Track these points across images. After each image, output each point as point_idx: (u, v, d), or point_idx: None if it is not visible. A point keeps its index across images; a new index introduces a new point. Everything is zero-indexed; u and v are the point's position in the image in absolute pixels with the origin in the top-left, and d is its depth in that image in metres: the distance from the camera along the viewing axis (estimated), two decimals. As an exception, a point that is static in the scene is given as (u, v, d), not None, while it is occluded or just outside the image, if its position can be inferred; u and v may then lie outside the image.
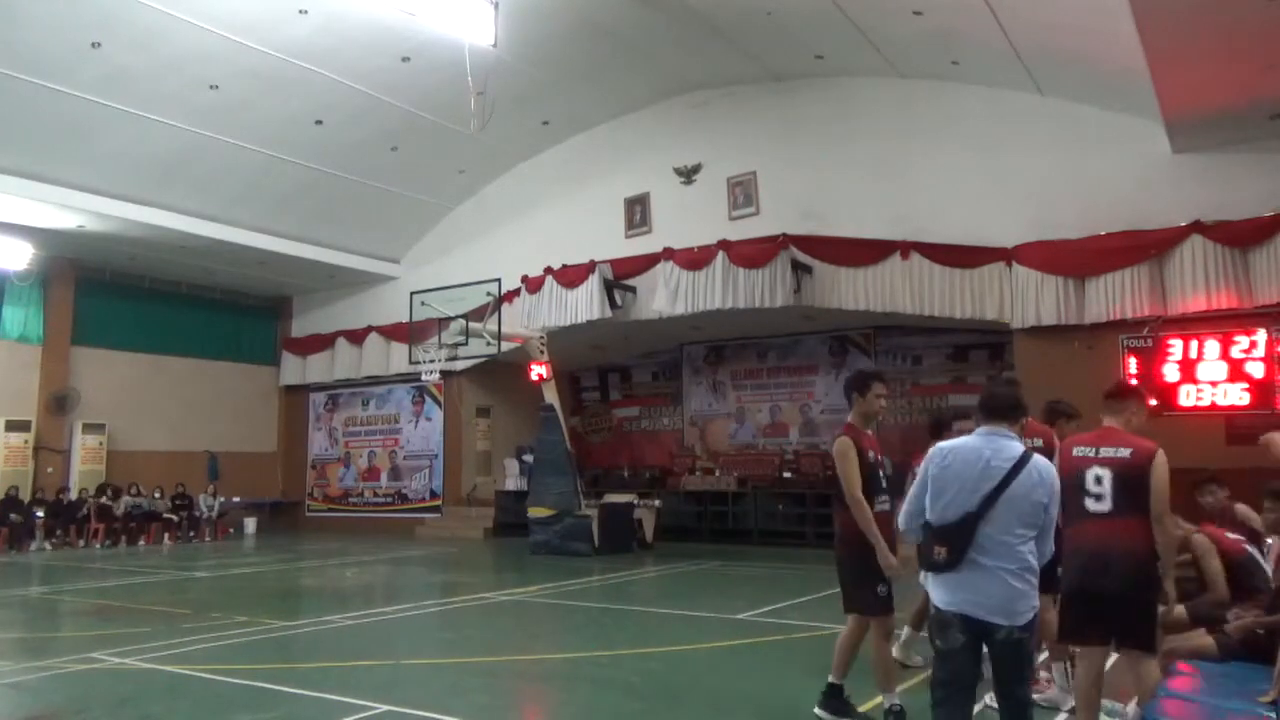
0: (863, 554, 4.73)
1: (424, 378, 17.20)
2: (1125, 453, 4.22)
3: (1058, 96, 13.20)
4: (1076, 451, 4.37)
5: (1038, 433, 5.40)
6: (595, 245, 16.35)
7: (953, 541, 3.46)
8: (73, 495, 17.36)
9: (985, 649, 3.54)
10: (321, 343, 21.19)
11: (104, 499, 17.29)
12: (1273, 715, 3.48)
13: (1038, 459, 3.55)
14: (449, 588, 11.63)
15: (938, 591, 3.57)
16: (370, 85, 14.57)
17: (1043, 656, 5.61)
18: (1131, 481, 4.15)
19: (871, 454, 4.84)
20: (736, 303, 14.56)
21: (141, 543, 17.32)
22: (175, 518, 18.08)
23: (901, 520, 3.91)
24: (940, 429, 5.69)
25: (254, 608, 9.36)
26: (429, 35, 12.96)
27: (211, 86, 13.81)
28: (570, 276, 16.18)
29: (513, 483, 18.71)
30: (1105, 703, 5.11)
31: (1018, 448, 3.54)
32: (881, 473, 4.91)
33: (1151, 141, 12.23)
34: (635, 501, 15.90)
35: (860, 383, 5.00)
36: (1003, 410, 3.63)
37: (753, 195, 15.58)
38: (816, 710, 4.98)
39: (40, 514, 16.62)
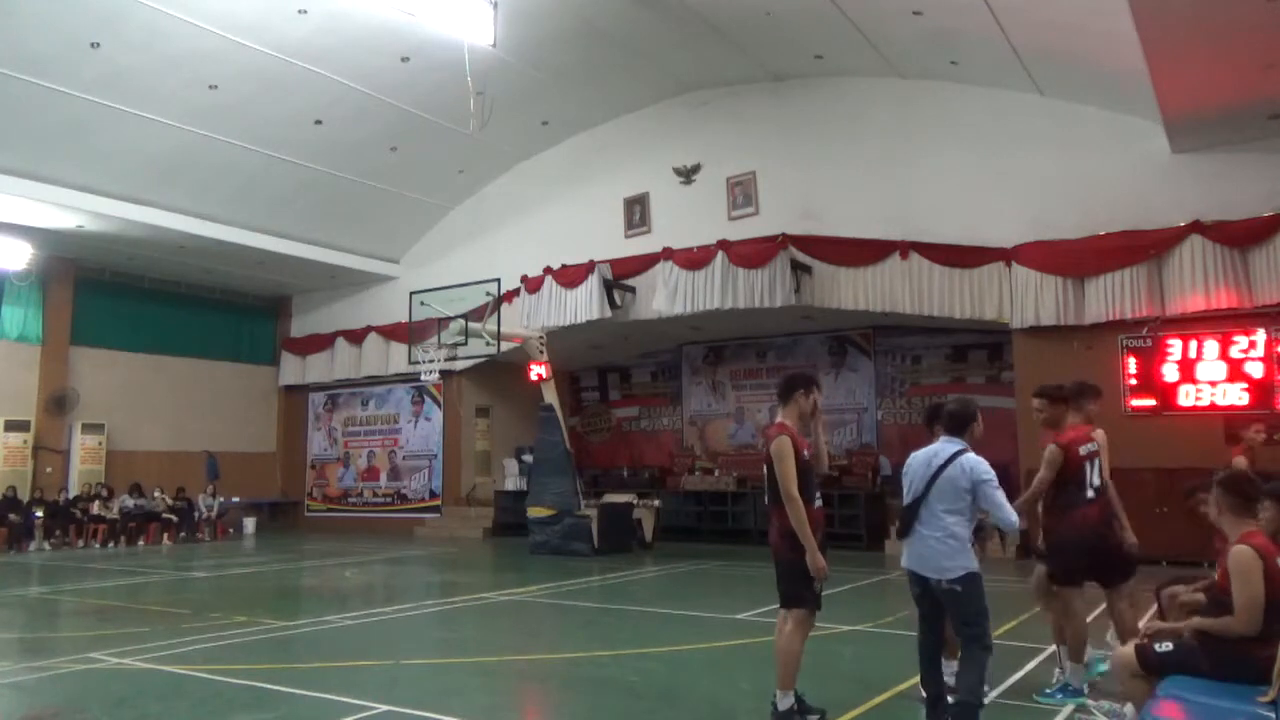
0: (802, 550, 4.73)
1: (423, 378, 17.19)
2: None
3: (1058, 96, 13.21)
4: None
5: (1076, 438, 5.56)
6: (594, 245, 16.35)
7: (905, 518, 4.66)
8: (71, 495, 17.34)
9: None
10: (321, 343, 21.18)
11: (98, 501, 17.26)
12: (1273, 715, 3.48)
13: (966, 457, 4.53)
14: (448, 588, 11.63)
15: (903, 554, 4.73)
16: (370, 85, 14.57)
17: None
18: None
19: (805, 453, 4.84)
20: (736, 303, 14.56)
21: (141, 543, 17.30)
22: (174, 518, 18.06)
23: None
24: (934, 420, 5.67)
25: (253, 608, 9.36)
26: (429, 35, 12.96)
27: (211, 86, 13.80)
28: (570, 276, 16.18)
29: (512, 483, 18.71)
30: (1104, 703, 5.13)
31: (952, 450, 4.57)
32: (814, 472, 4.93)
33: (1151, 141, 12.25)
34: (635, 501, 15.89)
35: (804, 382, 5.04)
36: (955, 426, 4.69)
37: (752, 195, 15.59)
38: None
39: (39, 514, 16.61)
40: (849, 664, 6.63)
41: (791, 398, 4.96)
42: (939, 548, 4.47)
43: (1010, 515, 4.52)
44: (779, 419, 4.99)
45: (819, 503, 4.95)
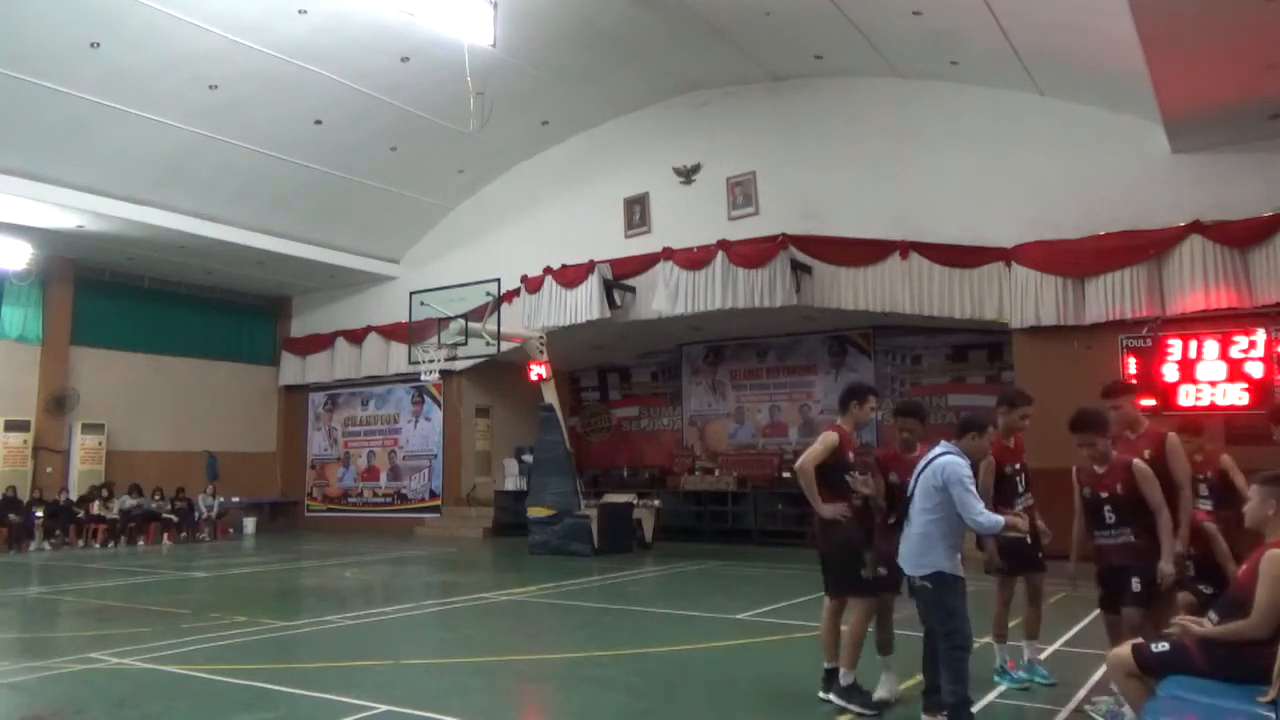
0: (847, 541, 5.27)
1: (423, 378, 17.19)
2: None
3: (1058, 96, 13.20)
4: None
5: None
6: (595, 245, 16.35)
7: (898, 516, 4.90)
8: (72, 496, 17.34)
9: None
10: (321, 343, 21.18)
11: (98, 500, 17.25)
12: (1273, 715, 3.48)
13: (943, 458, 4.67)
14: (449, 588, 11.63)
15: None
16: (370, 85, 14.57)
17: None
18: None
19: (850, 454, 5.42)
20: (736, 303, 14.56)
21: (141, 543, 17.31)
22: (174, 518, 18.06)
23: None
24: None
25: (253, 608, 9.36)
26: (429, 35, 12.96)
27: (211, 86, 13.80)
28: (570, 276, 16.18)
29: (512, 483, 18.72)
30: (1103, 705, 5.12)
31: (937, 452, 4.77)
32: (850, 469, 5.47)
33: (1151, 141, 12.24)
34: (635, 501, 15.90)
35: (861, 393, 5.56)
36: (959, 429, 4.92)
37: (752, 195, 15.59)
38: (826, 695, 5.34)
39: (39, 514, 16.61)
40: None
41: (848, 407, 5.52)
42: (913, 544, 4.70)
43: (979, 518, 4.52)
44: (839, 421, 5.54)
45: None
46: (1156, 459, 5.17)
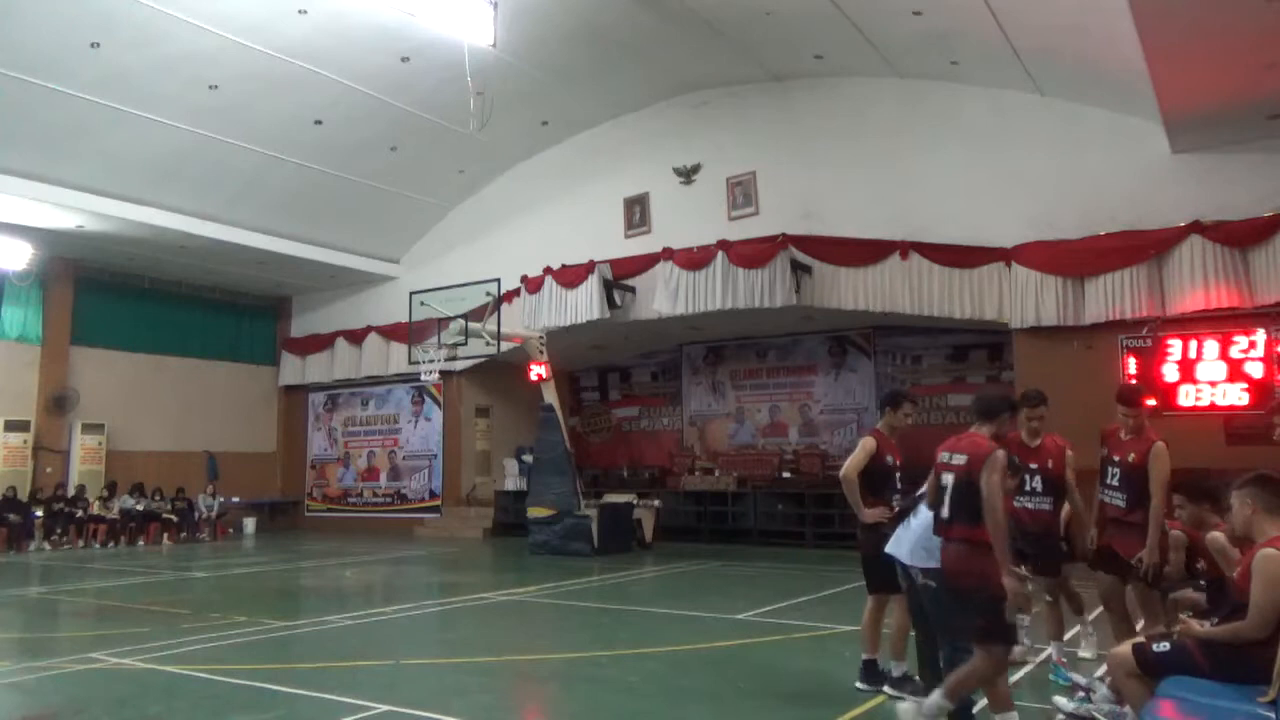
0: (881, 540, 5.33)
1: (423, 378, 17.17)
2: None
3: (1058, 96, 13.20)
4: None
5: None
6: (595, 245, 16.36)
7: (904, 508, 4.95)
8: (69, 493, 17.32)
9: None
10: (321, 343, 21.19)
11: (98, 501, 17.24)
12: (1273, 715, 3.48)
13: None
14: (448, 588, 11.63)
15: (890, 541, 4.99)
16: (370, 85, 14.57)
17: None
18: None
19: (889, 458, 5.68)
20: (736, 303, 14.56)
21: (141, 543, 17.31)
22: (174, 518, 18.05)
23: None
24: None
25: (253, 608, 9.36)
26: (429, 35, 12.96)
27: (211, 86, 13.80)
28: (570, 276, 16.18)
29: (512, 483, 18.71)
30: (1104, 705, 5.12)
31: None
32: (898, 475, 5.76)
33: (1151, 141, 12.23)
34: (635, 501, 15.91)
35: (895, 399, 5.88)
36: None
37: (752, 195, 15.58)
38: (863, 685, 5.61)
39: (39, 514, 16.61)
40: (849, 664, 6.62)
41: (884, 412, 5.89)
42: (918, 537, 4.67)
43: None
44: (878, 425, 5.89)
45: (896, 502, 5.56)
46: (1139, 462, 5.42)
